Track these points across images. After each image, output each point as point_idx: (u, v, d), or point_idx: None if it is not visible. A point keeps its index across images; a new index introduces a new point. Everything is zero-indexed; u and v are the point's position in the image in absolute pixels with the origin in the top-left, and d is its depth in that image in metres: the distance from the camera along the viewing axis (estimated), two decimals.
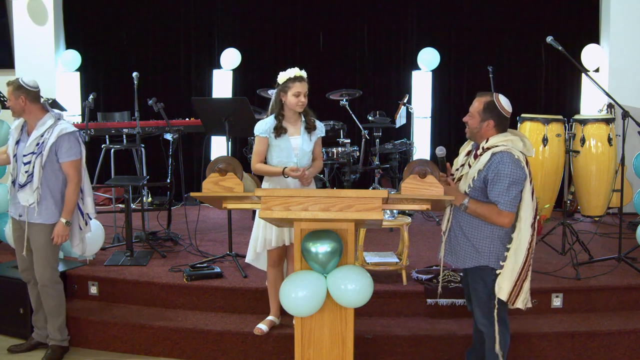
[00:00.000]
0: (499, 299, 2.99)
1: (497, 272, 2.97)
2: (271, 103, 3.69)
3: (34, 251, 3.65)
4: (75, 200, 3.62)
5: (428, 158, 5.11)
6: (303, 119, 3.60)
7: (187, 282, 4.10)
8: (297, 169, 3.48)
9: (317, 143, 3.67)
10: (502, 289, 2.95)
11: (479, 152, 2.98)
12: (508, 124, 3.01)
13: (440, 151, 3.05)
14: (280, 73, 3.55)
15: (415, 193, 2.77)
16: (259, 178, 3.62)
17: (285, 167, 3.50)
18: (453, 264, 3.12)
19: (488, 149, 2.93)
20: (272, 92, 3.82)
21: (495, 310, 3.00)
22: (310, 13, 7.40)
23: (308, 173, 3.52)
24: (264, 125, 3.58)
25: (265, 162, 3.63)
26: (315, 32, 7.41)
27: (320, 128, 3.67)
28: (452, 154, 3.25)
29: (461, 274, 3.96)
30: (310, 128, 3.59)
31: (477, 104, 2.98)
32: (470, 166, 3.01)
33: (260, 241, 3.58)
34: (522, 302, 2.97)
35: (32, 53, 6.90)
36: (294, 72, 3.51)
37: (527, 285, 2.97)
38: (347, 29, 7.41)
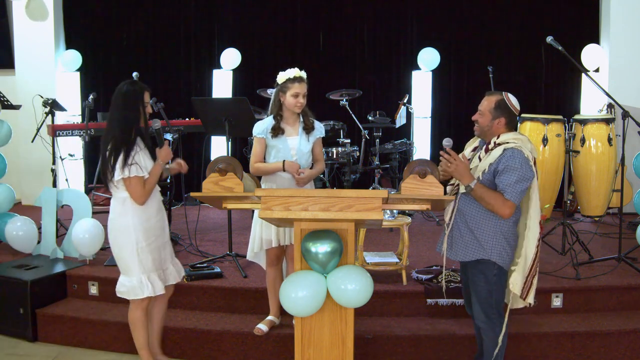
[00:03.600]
0: (497, 296, 3.03)
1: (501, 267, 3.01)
2: (270, 103, 3.68)
3: None
4: None
5: (428, 158, 5.11)
6: (301, 119, 3.60)
7: (187, 282, 4.10)
8: (296, 165, 3.48)
9: (317, 144, 3.66)
10: (516, 284, 3.03)
11: (490, 146, 3.03)
12: (517, 122, 3.06)
13: (447, 142, 3.07)
14: (280, 73, 3.54)
15: (415, 193, 2.78)
16: (258, 179, 3.62)
17: (285, 161, 3.50)
18: (451, 257, 3.15)
19: (500, 144, 2.99)
20: (271, 92, 3.82)
21: (494, 306, 3.04)
22: (310, 13, 7.40)
23: (305, 175, 3.51)
24: (261, 126, 3.58)
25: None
26: (315, 32, 7.41)
27: (320, 129, 3.66)
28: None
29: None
30: (308, 129, 3.59)
31: (488, 103, 3.05)
32: (480, 160, 3.06)
33: (257, 241, 3.59)
34: (533, 297, 3.05)
35: (32, 53, 6.90)
36: (293, 72, 3.50)
37: (535, 281, 3.05)
38: (347, 29, 7.41)
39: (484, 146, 3.08)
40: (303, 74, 3.52)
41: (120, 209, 3.20)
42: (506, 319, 3.07)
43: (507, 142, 2.97)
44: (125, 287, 3.26)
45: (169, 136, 5.71)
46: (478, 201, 2.98)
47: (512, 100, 3.04)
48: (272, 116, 3.59)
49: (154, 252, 3.24)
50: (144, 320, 3.32)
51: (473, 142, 3.24)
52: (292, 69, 3.51)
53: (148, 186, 3.16)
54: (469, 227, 3.05)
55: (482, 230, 3.01)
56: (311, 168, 3.64)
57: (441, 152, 3.00)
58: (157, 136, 3.30)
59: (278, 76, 3.54)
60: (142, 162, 3.13)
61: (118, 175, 3.09)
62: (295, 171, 3.48)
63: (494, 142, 3.02)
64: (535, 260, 3.02)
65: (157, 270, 3.27)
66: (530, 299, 3.05)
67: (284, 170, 3.51)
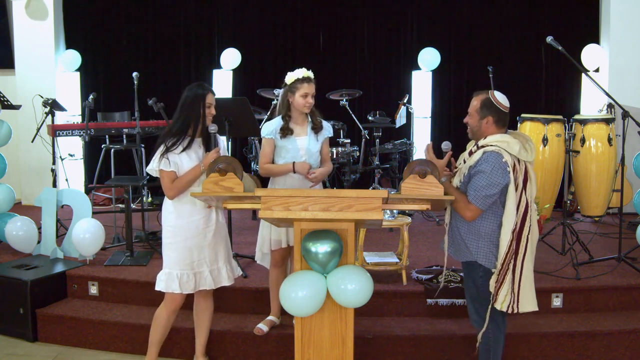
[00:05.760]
0: (486, 297, 3.02)
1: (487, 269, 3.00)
2: (278, 104, 3.67)
3: None
4: None
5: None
6: (309, 119, 3.60)
7: None
8: (307, 165, 3.48)
9: (324, 143, 3.65)
10: (492, 284, 2.98)
11: (473, 149, 3.02)
12: (508, 118, 3.04)
13: (446, 146, 3.07)
14: (288, 73, 3.51)
15: (415, 193, 2.78)
16: (264, 179, 3.61)
17: (295, 162, 3.49)
18: (454, 256, 3.15)
19: (482, 147, 2.97)
20: (278, 92, 3.80)
21: (489, 308, 3.02)
22: (310, 13, 7.40)
23: (318, 174, 3.51)
24: (270, 127, 3.57)
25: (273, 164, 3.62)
26: (315, 32, 7.41)
27: (328, 128, 3.65)
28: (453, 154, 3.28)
29: (461, 274, 3.96)
30: (316, 128, 3.58)
31: (475, 103, 3.03)
32: (464, 162, 3.05)
33: (267, 242, 3.58)
34: (499, 303, 2.95)
35: (32, 53, 6.91)
36: (301, 72, 3.48)
37: (504, 289, 2.93)
38: (347, 29, 7.42)
39: (470, 148, 3.07)
40: (311, 74, 3.50)
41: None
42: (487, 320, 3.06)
43: (490, 145, 2.93)
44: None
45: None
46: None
47: (499, 98, 3.00)
48: (280, 117, 3.58)
49: (180, 251, 3.24)
50: (165, 321, 3.34)
51: (472, 143, 3.24)
52: (300, 69, 3.49)
53: (177, 183, 3.20)
54: (458, 228, 3.06)
55: (468, 232, 3.01)
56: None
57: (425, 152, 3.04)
58: (210, 139, 3.28)
59: (286, 77, 3.51)
60: (175, 159, 3.19)
61: (149, 165, 3.24)
62: (306, 172, 3.48)
63: (477, 145, 3.00)
64: (502, 268, 2.91)
65: (182, 270, 3.25)
66: (497, 305, 2.95)
67: (294, 172, 3.51)
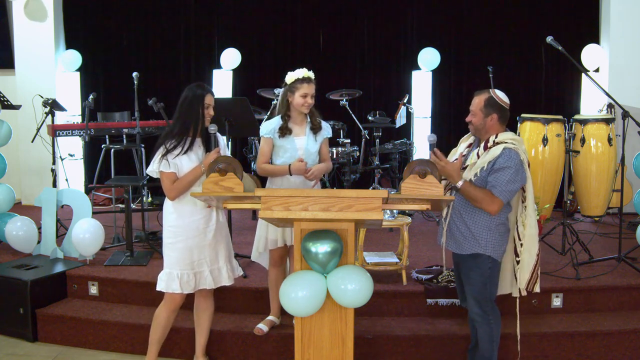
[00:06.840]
0: (491, 289, 3.12)
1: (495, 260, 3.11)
2: (277, 103, 3.67)
3: None
4: None
5: (428, 158, 5.10)
6: (308, 119, 3.60)
7: None
8: (302, 165, 3.47)
9: (323, 144, 3.66)
10: (522, 280, 3.13)
11: (489, 144, 3.07)
12: (509, 115, 3.14)
13: (432, 138, 3.12)
14: (289, 73, 3.52)
15: (415, 193, 2.78)
16: (264, 179, 3.61)
17: (291, 164, 3.49)
18: (453, 249, 3.20)
19: (499, 143, 3.03)
20: (278, 92, 3.80)
21: (489, 299, 3.13)
22: (310, 13, 7.40)
23: (315, 169, 3.51)
24: (269, 126, 3.58)
25: (271, 163, 3.62)
26: (316, 32, 7.41)
27: (327, 129, 3.66)
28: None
29: None
30: (315, 128, 3.59)
31: (478, 102, 3.11)
32: (478, 157, 3.09)
33: (263, 241, 3.59)
34: (538, 286, 3.19)
35: (32, 53, 6.91)
36: (302, 72, 3.48)
37: (539, 271, 3.18)
38: (347, 29, 7.41)
39: (483, 143, 3.11)
40: (311, 75, 3.50)
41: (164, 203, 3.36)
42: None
43: (506, 142, 3.02)
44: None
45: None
46: (466, 199, 3.05)
47: (500, 96, 3.10)
48: (279, 116, 3.59)
49: (181, 251, 3.26)
50: (165, 321, 3.35)
51: (468, 139, 3.29)
52: (300, 69, 3.49)
53: (177, 184, 3.21)
54: (464, 221, 3.11)
55: (477, 224, 3.07)
56: None
57: (430, 153, 3.05)
58: (210, 140, 3.29)
59: (287, 76, 3.52)
60: (175, 160, 3.20)
61: (149, 167, 3.25)
62: (303, 172, 3.48)
63: (493, 141, 3.06)
64: (538, 254, 3.13)
65: (183, 270, 3.26)
66: (537, 288, 3.18)
67: (290, 174, 3.51)
